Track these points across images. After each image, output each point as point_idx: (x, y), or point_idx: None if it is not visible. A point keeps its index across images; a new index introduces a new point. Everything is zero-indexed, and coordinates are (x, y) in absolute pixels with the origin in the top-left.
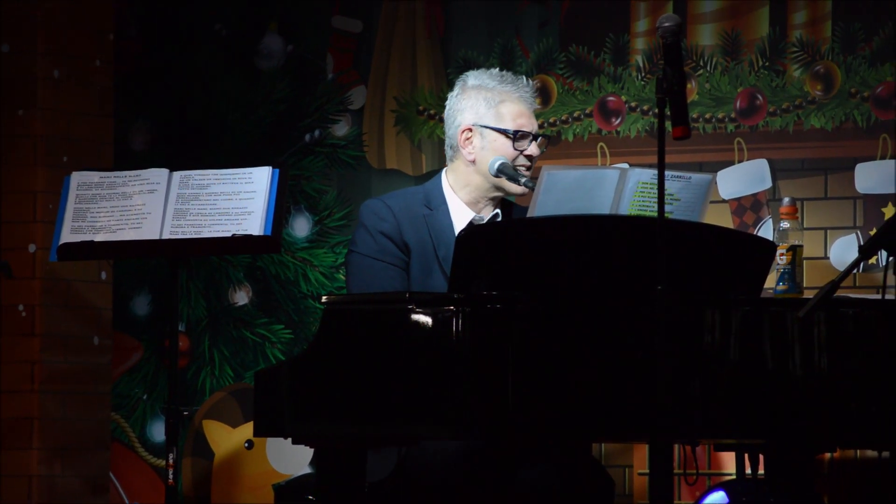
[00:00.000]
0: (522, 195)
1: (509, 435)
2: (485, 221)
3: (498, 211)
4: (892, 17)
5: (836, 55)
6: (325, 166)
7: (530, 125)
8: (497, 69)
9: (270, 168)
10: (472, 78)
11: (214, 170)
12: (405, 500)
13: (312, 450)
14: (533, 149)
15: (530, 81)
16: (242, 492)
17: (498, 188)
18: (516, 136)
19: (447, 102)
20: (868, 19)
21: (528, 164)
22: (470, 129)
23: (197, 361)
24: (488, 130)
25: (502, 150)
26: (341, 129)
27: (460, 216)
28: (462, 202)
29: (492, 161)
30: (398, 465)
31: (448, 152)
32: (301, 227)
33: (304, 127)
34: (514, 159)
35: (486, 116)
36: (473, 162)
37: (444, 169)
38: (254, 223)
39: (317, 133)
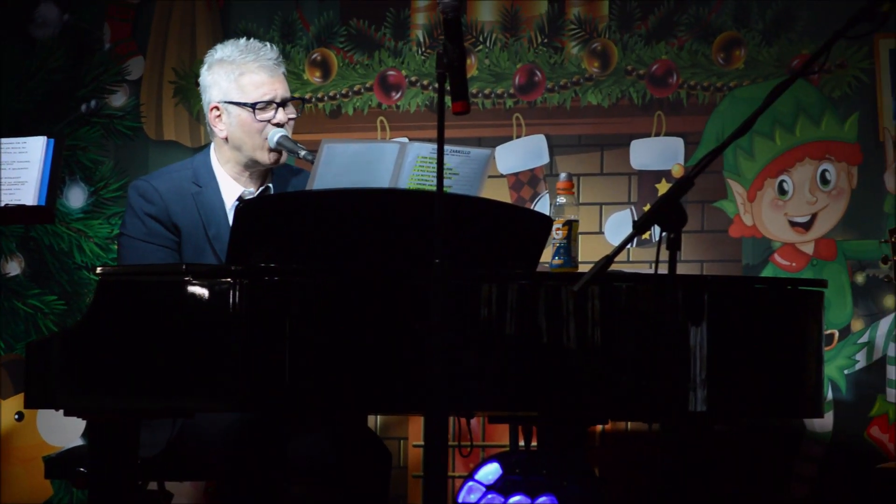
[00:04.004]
0: (275, 164)
1: (286, 408)
2: (255, 195)
3: (270, 185)
4: None
5: (612, 33)
6: (101, 137)
7: (273, 92)
8: (244, 39)
9: (45, 138)
10: (219, 52)
11: None
12: (178, 474)
13: (84, 422)
14: (280, 116)
15: (274, 47)
16: (12, 464)
17: (255, 161)
18: (256, 107)
19: (199, 80)
20: None
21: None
22: (217, 108)
23: None
24: (232, 106)
25: (247, 124)
26: (118, 100)
27: (230, 192)
28: (230, 178)
29: (270, 135)
30: (172, 440)
31: (208, 129)
32: (76, 197)
33: (80, 97)
34: (262, 131)
35: (229, 91)
36: (227, 139)
37: (212, 143)
38: (27, 193)
39: (93, 103)
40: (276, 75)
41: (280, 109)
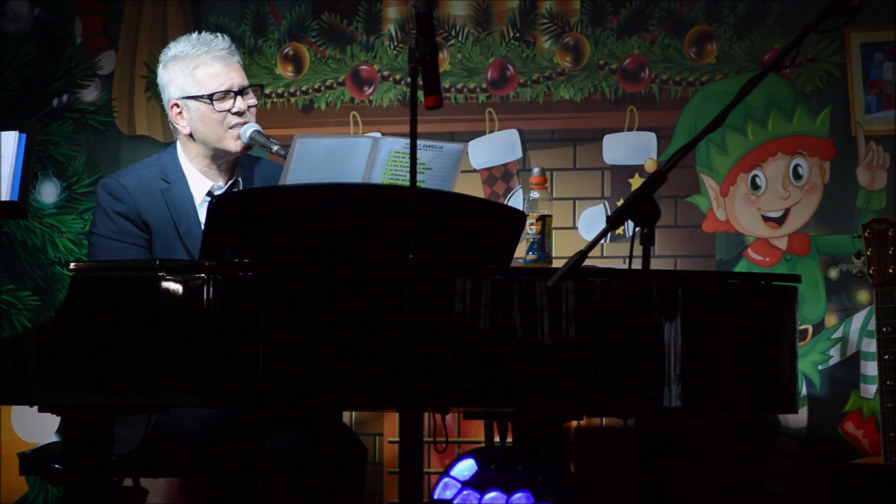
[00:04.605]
0: (244, 151)
1: (260, 403)
2: (223, 190)
3: (239, 178)
4: None
5: (584, 27)
6: (73, 132)
7: (229, 81)
8: (196, 33)
9: (17, 132)
10: (172, 49)
11: None
12: (153, 470)
13: (59, 418)
14: (239, 104)
15: (225, 37)
16: None
17: (223, 151)
18: (213, 98)
19: (157, 78)
20: None
21: (241, 120)
22: (177, 104)
23: None
24: (191, 101)
25: (207, 116)
26: (90, 95)
27: (199, 187)
28: (198, 173)
29: (242, 131)
30: (147, 436)
31: (171, 127)
32: (49, 192)
33: (51, 91)
34: (224, 121)
35: (186, 87)
36: (191, 136)
37: (177, 140)
38: None
39: (65, 98)
40: (231, 64)
41: (238, 98)
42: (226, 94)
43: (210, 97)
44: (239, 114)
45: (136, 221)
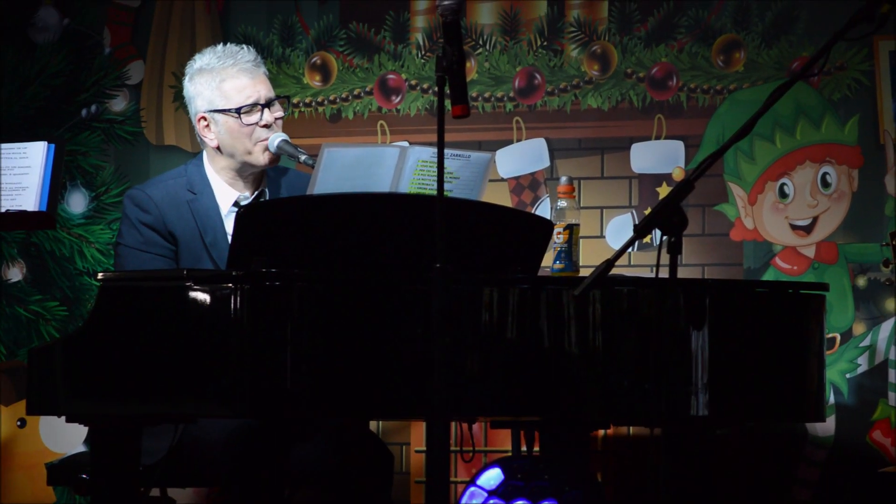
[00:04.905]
0: (272, 164)
1: (287, 413)
2: (249, 200)
3: (265, 189)
4: None
5: (612, 35)
6: (102, 142)
7: (256, 94)
8: (221, 45)
9: (46, 143)
10: (198, 61)
11: None
12: (180, 480)
13: (86, 428)
14: (266, 116)
15: (251, 49)
16: (15, 471)
17: (251, 164)
18: (241, 111)
19: (183, 92)
20: (643, 1)
21: (269, 133)
22: (204, 118)
23: None
24: (218, 114)
25: (235, 130)
26: (119, 105)
27: (225, 198)
28: (225, 184)
29: (270, 140)
30: (174, 447)
31: (199, 139)
32: (77, 203)
33: (80, 102)
34: (252, 134)
35: (213, 100)
36: (218, 148)
37: (203, 151)
38: (28, 199)
39: (94, 108)
40: (257, 76)
41: (266, 110)
42: (253, 106)
43: (237, 111)
44: (267, 126)
45: (163, 232)
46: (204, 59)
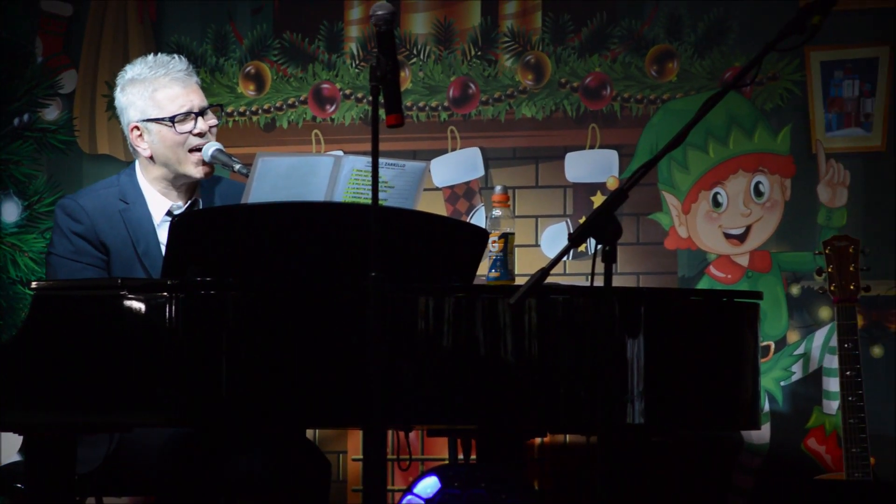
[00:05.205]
0: (206, 177)
1: (223, 422)
2: (183, 210)
3: (198, 198)
4: (599, 9)
5: (546, 45)
6: (34, 151)
7: (189, 102)
8: (152, 55)
9: None
10: (129, 72)
11: None
12: (116, 489)
13: (21, 437)
14: (200, 125)
15: (182, 58)
16: None
17: (185, 175)
18: (174, 120)
19: (115, 102)
20: (577, 11)
21: (203, 141)
22: (137, 127)
23: None
24: (151, 123)
25: (169, 139)
26: (51, 114)
27: (158, 207)
28: (158, 193)
29: (204, 150)
30: (109, 455)
31: (130, 149)
32: (10, 212)
33: (12, 111)
34: (185, 143)
35: (146, 110)
36: (151, 158)
37: (136, 161)
38: None
39: (26, 117)
40: (190, 85)
41: (199, 119)
42: (186, 115)
43: (171, 119)
44: (200, 135)
45: (94, 242)
46: (136, 70)
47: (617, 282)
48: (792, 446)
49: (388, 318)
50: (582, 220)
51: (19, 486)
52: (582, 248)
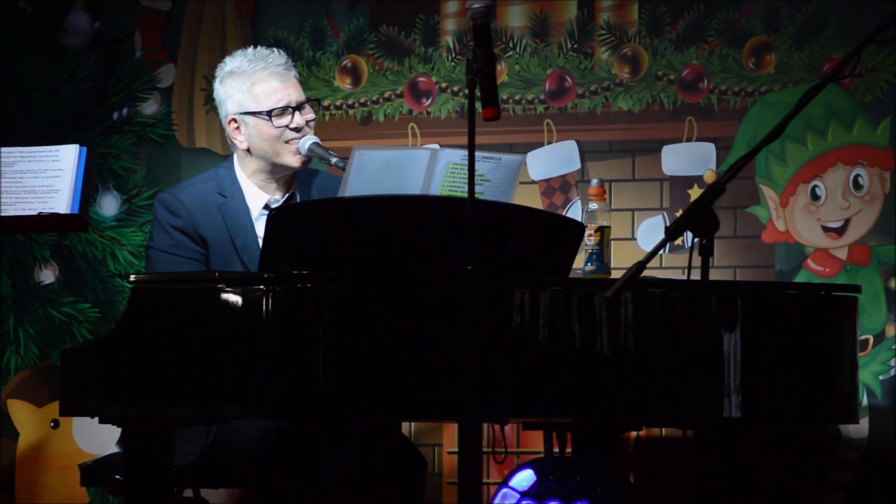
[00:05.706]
0: (304, 167)
1: (318, 415)
2: (280, 203)
3: (295, 192)
4: (696, 1)
5: (642, 38)
6: (133, 145)
7: (287, 97)
8: (252, 48)
9: (77, 146)
10: (228, 64)
11: (20, 147)
12: (213, 482)
13: (119, 429)
14: (297, 120)
15: (281, 52)
16: (48, 472)
17: (282, 166)
18: (272, 114)
19: (214, 94)
20: (673, 3)
21: (299, 135)
22: (235, 120)
23: (2, 340)
24: (249, 117)
25: (266, 132)
26: (150, 108)
27: (255, 201)
28: (255, 187)
29: (301, 143)
30: (206, 448)
31: (229, 141)
32: (109, 205)
33: (111, 105)
34: (281, 136)
35: (244, 103)
36: (248, 151)
37: (234, 154)
38: (60, 201)
39: (125, 111)
40: (288, 80)
41: (296, 113)
42: (283, 110)
43: (268, 113)
44: (297, 129)
45: (193, 236)
46: (234, 63)
47: (714, 275)
48: (890, 440)
49: (484, 311)
50: (679, 214)
51: (118, 477)
52: (679, 241)
